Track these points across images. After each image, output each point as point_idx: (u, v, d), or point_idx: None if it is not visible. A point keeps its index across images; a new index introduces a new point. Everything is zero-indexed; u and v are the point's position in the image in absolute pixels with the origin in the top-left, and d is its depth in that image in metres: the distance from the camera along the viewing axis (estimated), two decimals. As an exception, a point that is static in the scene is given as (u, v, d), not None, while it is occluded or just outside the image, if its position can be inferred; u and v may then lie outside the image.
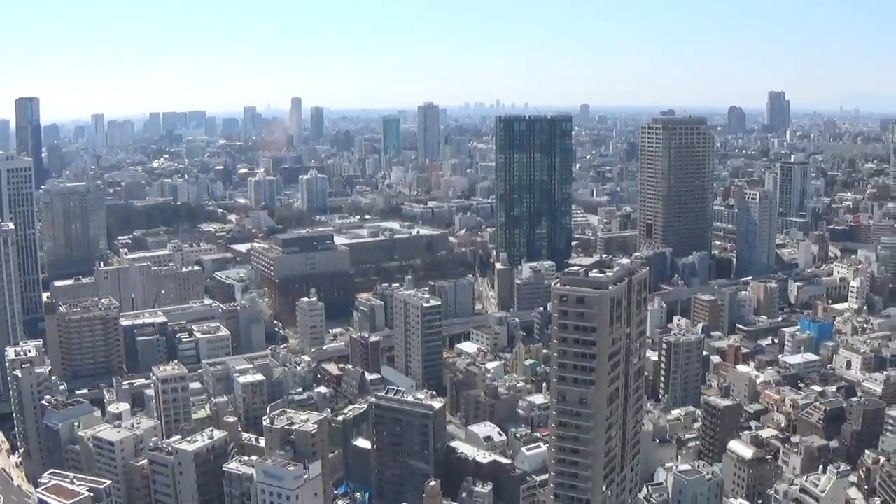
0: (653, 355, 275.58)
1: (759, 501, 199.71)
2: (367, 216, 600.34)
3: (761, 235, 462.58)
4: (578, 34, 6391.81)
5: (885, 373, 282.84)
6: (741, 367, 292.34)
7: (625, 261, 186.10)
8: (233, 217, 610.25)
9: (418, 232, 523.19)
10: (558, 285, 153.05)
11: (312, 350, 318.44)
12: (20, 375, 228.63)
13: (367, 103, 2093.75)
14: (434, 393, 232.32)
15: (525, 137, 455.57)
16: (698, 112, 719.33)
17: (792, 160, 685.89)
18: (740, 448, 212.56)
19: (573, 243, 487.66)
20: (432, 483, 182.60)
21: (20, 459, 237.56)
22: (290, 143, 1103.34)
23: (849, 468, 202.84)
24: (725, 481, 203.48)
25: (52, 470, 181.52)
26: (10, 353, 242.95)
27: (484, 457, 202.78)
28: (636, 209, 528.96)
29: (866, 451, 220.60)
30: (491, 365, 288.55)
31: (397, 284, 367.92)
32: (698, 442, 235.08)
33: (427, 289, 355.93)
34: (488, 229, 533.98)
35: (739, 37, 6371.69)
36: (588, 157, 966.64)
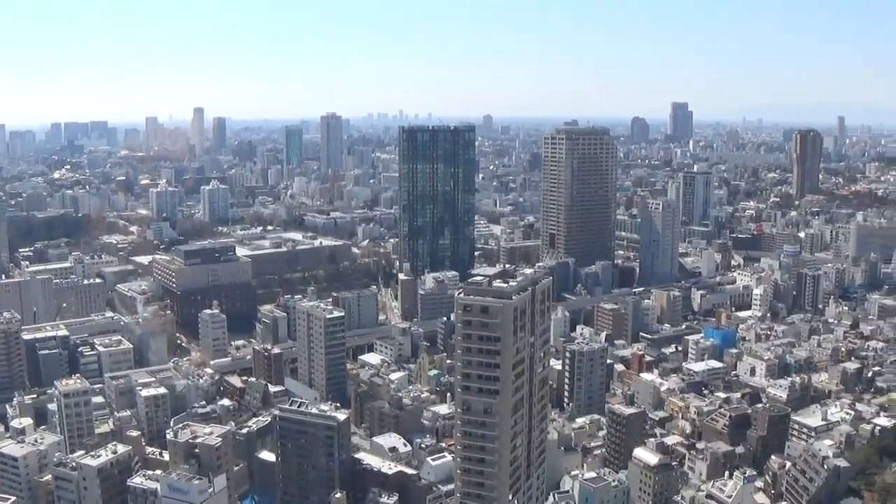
0: (557, 364, 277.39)
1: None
2: (269, 227, 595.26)
3: (664, 244, 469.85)
4: (482, 45, 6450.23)
5: (789, 379, 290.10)
6: (645, 375, 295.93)
7: (528, 270, 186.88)
8: (134, 229, 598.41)
9: (321, 243, 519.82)
10: (462, 295, 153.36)
11: (215, 363, 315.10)
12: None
13: (270, 113, 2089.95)
14: (338, 405, 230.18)
15: (428, 148, 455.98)
16: (601, 122, 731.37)
17: (695, 170, 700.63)
18: (646, 455, 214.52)
19: (476, 253, 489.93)
20: (338, 495, 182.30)
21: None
22: (192, 154, 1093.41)
23: (755, 473, 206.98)
24: (631, 488, 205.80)
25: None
26: None
27: (389, 468, 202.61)
28: (539, 219, 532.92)
29: (772, 457, 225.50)
30: (395, 376, 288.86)
31: (300, 296, 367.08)
32: (604, 450, 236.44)
33: (330, 300, 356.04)
34: (391, 240, 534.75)
35: (643, 48, 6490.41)
36: (491, 167, 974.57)
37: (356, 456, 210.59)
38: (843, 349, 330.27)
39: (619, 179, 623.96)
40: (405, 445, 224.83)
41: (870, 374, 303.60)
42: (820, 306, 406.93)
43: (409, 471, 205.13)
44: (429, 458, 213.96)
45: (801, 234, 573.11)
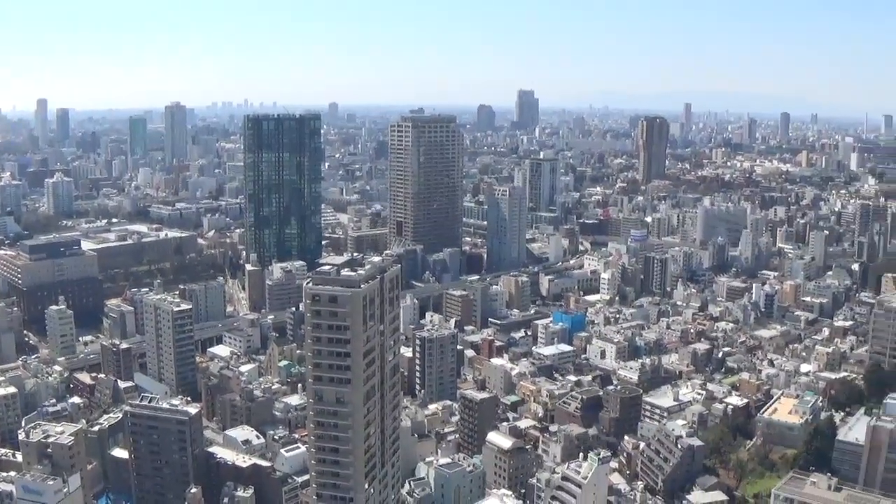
0: (407, 351, 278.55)
1: (522, 491, 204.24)
2: (114, 220, 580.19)
3: (511, 230, 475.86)
4: (328, 32, 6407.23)
5: (639, 361, 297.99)
6: (496, 360, 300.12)
7: (376, 259, 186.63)
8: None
9: (167, 234, 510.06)
10: (310, 285, 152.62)
11: (63, 359, 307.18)
12: None
13: (114, 104, 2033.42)
14: (189, 398, 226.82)
15: (274, 136, 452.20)
16: (448, 110, 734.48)
17: (541, 156, 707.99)
18: (499, 439, 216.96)
19: (324, 242, 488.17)
20: (193, 490, 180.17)
21: None
22: (35, 146, 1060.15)
23: (609, 454, 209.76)
24: (487, 472, 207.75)
25: None
26: None
27: (243, 461, 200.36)
28: (386, 207, 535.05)
29: (625, 438, 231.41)
30: (245, 368, 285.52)
31: (147, 289, 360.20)
32: (457, 435, 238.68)
33: (177, 293, 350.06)
34: (238, 230, 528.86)
35: (490, 36, 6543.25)
36: (337, 155, 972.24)
37: (210, 450, 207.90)
38: (692, 331, 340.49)
39: (465, 167, 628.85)
40: (258, 438, 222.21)
41: (720, 355, 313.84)
42: (668, 289, 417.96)
43: (264, 463, 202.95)
44: (282, 450, 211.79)
45: (648, 219, 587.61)
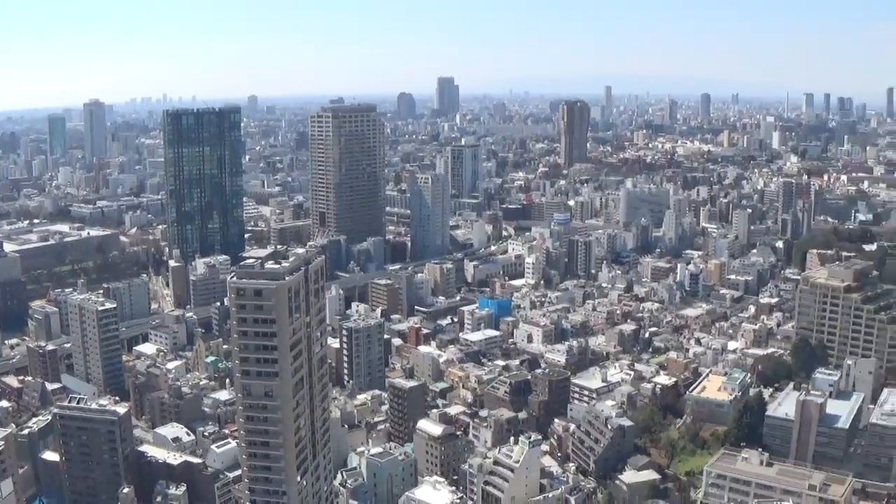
0: (334, 342, 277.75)
1: (455, 477, 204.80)
2: (35, 220, 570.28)
3: (435, 218, 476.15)
4: (246, 24, 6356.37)
5: (566, 343, 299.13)
6: (423, 348, 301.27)
7: (300, 250, 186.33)
8: None
9: (89, 233, 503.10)
10: (234, 279, 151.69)
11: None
12: None
13: (32, 103, 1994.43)
14: (117, 398, 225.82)
15: (194, 131, 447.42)
16: (368, 99, 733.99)
17: (462, 143, 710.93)
18: (429, 426, 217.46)
19: (247, 236, 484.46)
20: (125, 490, 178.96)
21: None
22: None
23: (540, 437, 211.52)
24: (418, 460, 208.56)
25: None
26: None
27: (174, 458, 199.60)
28: (308, 198, 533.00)
29: (555, 420, 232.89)
30: (172, 365, 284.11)
31: (70, 289, 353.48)
32: (387, 424, 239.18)
33: (101, 292, 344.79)
34: (160, 226, 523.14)
35: (409, 24, 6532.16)
36: (258, 148, 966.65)
37: (140, 449, 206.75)
38: (618, 312, 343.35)
39: (387, 155, 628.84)
40: (188, 435, 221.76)
41: (646, 335, 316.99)
42: (593, 271, 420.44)
43: (195, 460, 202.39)
44: (213, 446, 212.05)
45: (571, 203, 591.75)
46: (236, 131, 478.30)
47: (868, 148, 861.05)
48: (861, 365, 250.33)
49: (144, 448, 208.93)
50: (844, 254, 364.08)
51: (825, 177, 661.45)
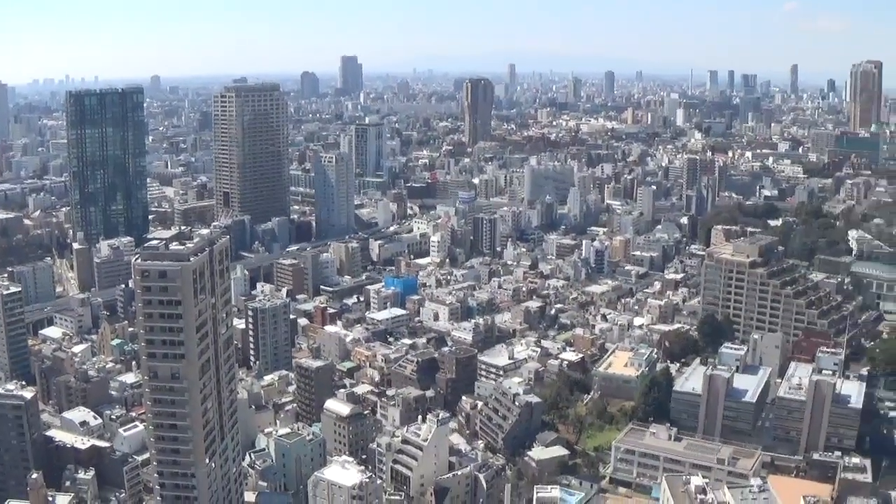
0: (240, 323, 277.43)
1: (363, 456, 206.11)
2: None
3: (339, 197, 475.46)
4: (145, 3, 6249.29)
5: (472, 321, 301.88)
6: (330, 328, 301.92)
7: (204, 231, 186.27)
8: None
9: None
10: (139, 261, 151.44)
11: None
12: None
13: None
14: (24, 383, 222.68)
15: (96, 112, 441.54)
16: (271, 79, 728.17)
17: (366, 122, 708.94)
18: (337, 406, 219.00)
19: (151, 217, 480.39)
20: (34, 475, 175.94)
21: None
22: None
23: (448, 415, 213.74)
24: (327, 440, 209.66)
25: None
26: None
27: (83, 442, 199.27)
28: (212, 179, 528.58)
29: (463, 398, 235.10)
30: (78, 348, 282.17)
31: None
32: (295, 404, 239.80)
33: (5, 275, 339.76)
34: (64, 209, 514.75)
35: (312, 3, 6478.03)
36: (161, 128, 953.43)
37: (48, 434, 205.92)
38: (524, 289, 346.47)
39: (290, 135, 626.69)
40: (95, 418, 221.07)
41: (552, 312, 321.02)
42: (498, 249, 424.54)
43: (103, 444, 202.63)
44: (121, 429, 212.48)
45: (476, 181, 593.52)
46: (139, 112, 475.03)
47: (772, 125, 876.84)
48: (767, 339, 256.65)
49: (52, 433, 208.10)
50: (749, 229, 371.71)
51: (729, 153, 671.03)
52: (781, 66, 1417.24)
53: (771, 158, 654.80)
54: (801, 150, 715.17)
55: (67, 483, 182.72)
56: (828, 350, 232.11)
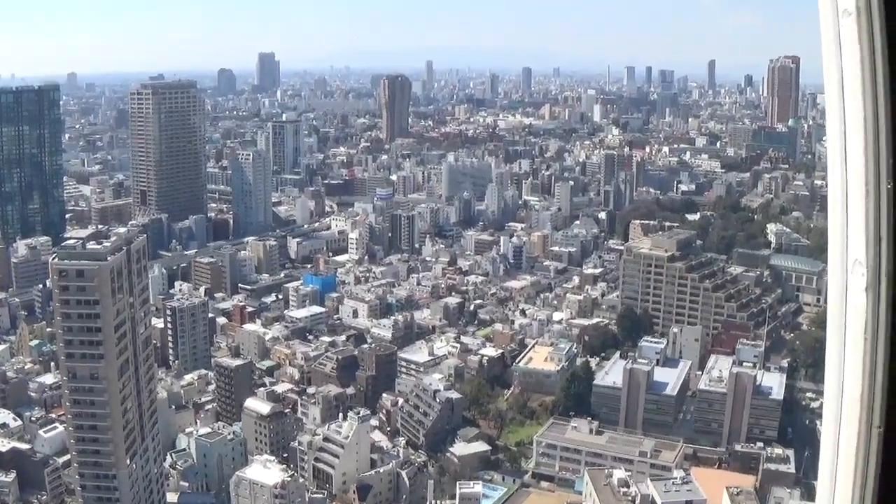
0: (158, 322, 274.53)
1: (285, 455, 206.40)
2: None
3: (256, 194, 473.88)
4: (60, 1, 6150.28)
5: (392, 318, 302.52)
6: (248, 326, 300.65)
7: (121, 230, 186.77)
8: None
9: None
10: (56, 260, 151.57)
11: None
12: None
13: None
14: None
15: (12, 110, 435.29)
16: (188, 76, 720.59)
17: (284, 119, 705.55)
18: (257, 405, 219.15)
19: (68, 216, 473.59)
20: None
21: None
22: None
23: (369, 413, 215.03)
24: (248, 439, 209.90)
25: None
26: None
27: (2, 445, 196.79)
28: (129, 177, 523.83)
29: (383, 395, 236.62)
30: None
31: None
32: (215, 404, 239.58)
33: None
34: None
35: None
36: (77, 126, 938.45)
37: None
38: (443, 285, 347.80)
39: (207, 132, 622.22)
40: (15, 420, 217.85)
41: (472, 308, 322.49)
42: (416, 245, 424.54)
43: (23, 446, 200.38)
44: (41, 431, 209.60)
45: (394, 177, 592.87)
46: (55, 110, 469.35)
47: (690, 119, 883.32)
48: (687, 332, 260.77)
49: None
50: (667, 224, 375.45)
51: (647, 148, 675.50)
52: (699, 61, 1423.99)
53: (688, 153, 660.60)
54: (718, 144, 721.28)
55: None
56: (747, 342, 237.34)
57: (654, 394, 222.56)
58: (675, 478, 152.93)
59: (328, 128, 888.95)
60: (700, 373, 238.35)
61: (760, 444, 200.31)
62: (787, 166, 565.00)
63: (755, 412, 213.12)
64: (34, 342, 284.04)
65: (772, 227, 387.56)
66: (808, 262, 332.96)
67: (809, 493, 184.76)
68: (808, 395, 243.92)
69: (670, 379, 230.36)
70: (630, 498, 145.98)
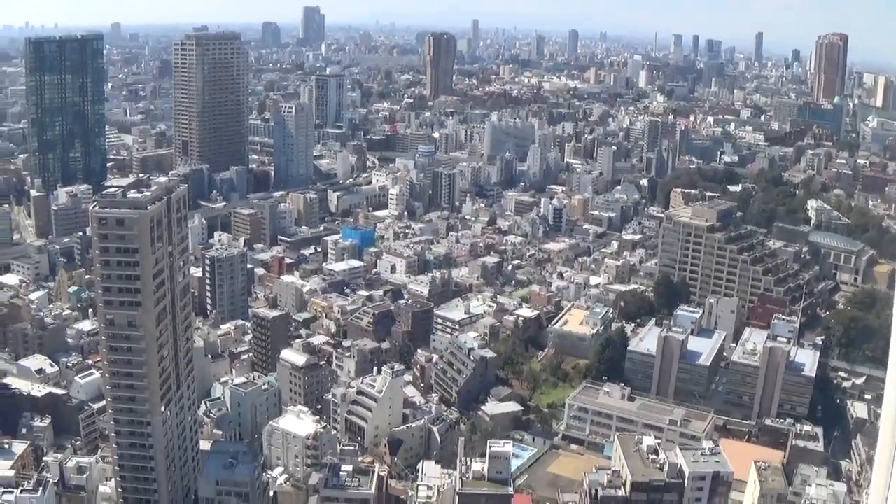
0: (197, 272, 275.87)
1: (318, 406, 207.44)
2: None
3: (298, 147, 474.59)
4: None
5: (429, 275, 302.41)
6: (286, 278, 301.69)
7: (162, 179, 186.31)
8: None
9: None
10: (96, 208, 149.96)
11: None
12: None
13: None
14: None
15: (56, 59, 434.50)
16: (232, 28, 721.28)
17: (327, 73, 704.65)
18: (293, 356, 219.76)
19: (109, 165, 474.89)
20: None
21: None
22: None
23: (403, 368, 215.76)
24: (282, 390, 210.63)
25: None
26: None
27: (39, 390, 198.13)
28: (171, 127, 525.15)
29: (419, 351, 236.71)
30: (35, 295, 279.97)
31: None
32: (251, 354, 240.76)
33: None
34: (21, 156, 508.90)
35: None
36: (120, 75, 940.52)
37: (3, 381, 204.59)
38: (481, 244, 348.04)
39: (251, 84, 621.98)
40: (52, 366, 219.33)
41: (509, 268, 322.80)
42: (457, 203, 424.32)
43: (59, 391, 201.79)
44: (77, 377, 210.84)
45: (436, 135, 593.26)
46: (99, 59, 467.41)
47: (735, 91, 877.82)
48: (723, 304, 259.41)
49: (8, 380, 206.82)
50: (708, 194, 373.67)
51: (691, 117, 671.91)
52: (746, 33, 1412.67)
53: (732, 124, 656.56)
54: (763, 117, 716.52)
55: (23, 431, 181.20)
56: (783, 317, 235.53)
57: (687, 363, 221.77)
58: (704, 448, 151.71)
59: (372, 83, 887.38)
60: (734, 345, 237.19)
61: (790, 421, 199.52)
62: (830, 143, 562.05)
63: (787, 388, 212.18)
64: (73, 289, 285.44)
65: (813, 204, 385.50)
66: (848, 241, 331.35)
67: (837, 472, 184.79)
68: (841, 374, 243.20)
69: (704, 349, 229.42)
70: (658, 465, 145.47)
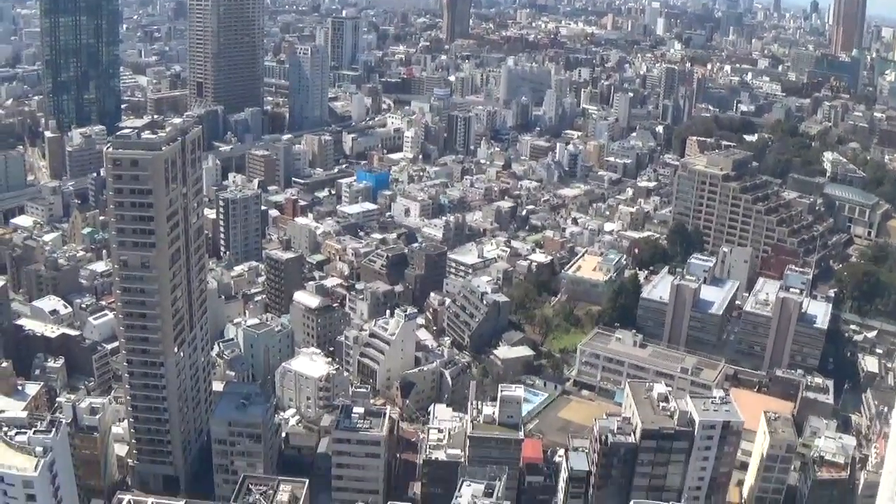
0: (211, 213, 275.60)
1: (331, 348, 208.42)
2: None
3: (313, 89, 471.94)
4: None
5: (443, 218, 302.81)
6: (300, 220, 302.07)
7: (177, 120, 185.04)
8: None
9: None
10: (111, 149, 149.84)
11: None
12: None
13: None
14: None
15: (70, 0, 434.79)
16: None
17: (343, 15, 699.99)
18: (306, 298, 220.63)
19: (123, 106, 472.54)
20: (3, 363, 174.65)
21: None
22: None
23: (416, 311, 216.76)
24: (295, 331, 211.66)
25: None
26: None
27: (52, 331, 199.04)
28: (186, 68, 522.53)
29: (431, 294, 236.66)
30: (48, 237, 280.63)
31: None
32: (264, 296, 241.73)
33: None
34: (36, 97, 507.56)
35: None
36: (135, 17, 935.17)
37: (18, 322, 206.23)
38: (496, 189, 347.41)
39: (266, 26, 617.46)
40: (65, 307, 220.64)
41: (523, 213, 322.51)
42: (472, 147, 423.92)
43: (72, 332, 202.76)
44: (90, 318, 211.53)
45: (452, 78, 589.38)
46: (113, 0, 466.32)
47: (753, 40, 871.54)
48: (736, 253, 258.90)
49: (22, 321, 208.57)
50: (724, 143, 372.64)
51: (708, 66, 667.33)
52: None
53: (750, 74, 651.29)
54: (780, 68, 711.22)
55: (37, 371, 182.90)
56: (796, 269, 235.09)
57: (699, 311, 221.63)
58: (715, 397, 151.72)
59: (388, 25, 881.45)
60: (747, 294, 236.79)
61: (801, 372, 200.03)
62: (847, 96, 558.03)
63: (798, 339, 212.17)
64: (86, 230, 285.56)
65: (828, 156, 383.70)
66: (862, 194, 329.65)
67: (846, 425, 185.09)
68: (853, 327, 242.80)
69: (717, 298, 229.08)
70: (669, 413, 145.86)
